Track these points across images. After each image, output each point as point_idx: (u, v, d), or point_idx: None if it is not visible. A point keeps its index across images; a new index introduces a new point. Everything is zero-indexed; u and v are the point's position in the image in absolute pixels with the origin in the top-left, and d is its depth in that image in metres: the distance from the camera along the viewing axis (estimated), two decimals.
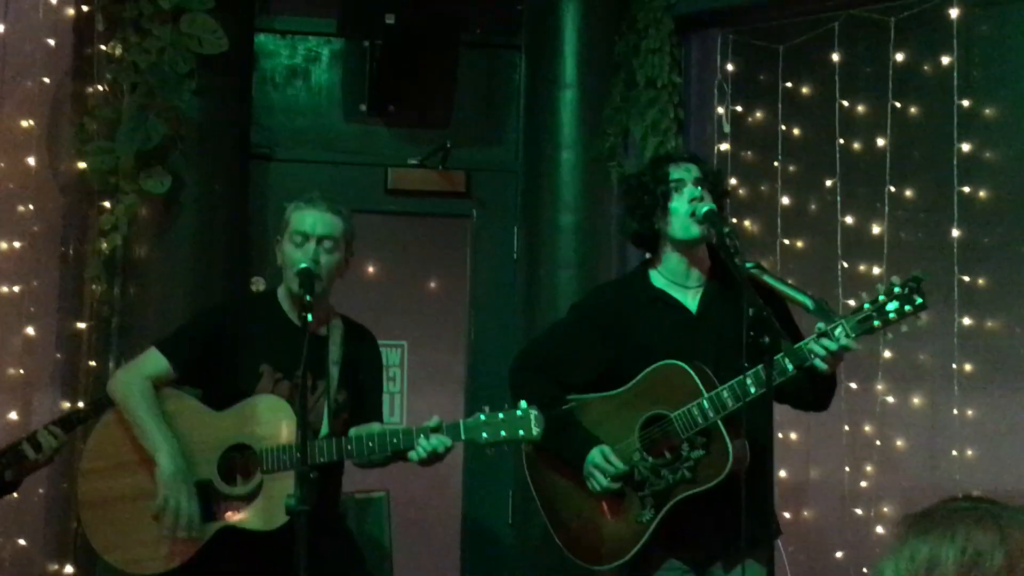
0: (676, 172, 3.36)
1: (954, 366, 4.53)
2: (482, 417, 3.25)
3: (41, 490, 4.40)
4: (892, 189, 4.71)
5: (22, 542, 4.41)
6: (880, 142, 4.75)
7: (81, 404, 4.23)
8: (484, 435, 3.24)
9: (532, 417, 3.21)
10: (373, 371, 3.58)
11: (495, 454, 3.34)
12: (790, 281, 3.41)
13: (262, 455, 3.28)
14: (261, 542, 3.13)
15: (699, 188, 3.33)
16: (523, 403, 3.23)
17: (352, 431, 3.41)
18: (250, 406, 3.33)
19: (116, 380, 3.43)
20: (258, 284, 4.41)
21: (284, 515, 3.00)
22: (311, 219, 3.39)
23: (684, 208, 3.32)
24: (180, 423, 3.35)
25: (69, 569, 4.42)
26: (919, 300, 3.11)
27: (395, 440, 3.26)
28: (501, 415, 3.23)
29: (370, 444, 3.27)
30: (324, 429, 3.37)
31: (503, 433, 3.22)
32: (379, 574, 4.15)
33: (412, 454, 3.25)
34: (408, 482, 4.80)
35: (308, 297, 3.18)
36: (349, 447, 3.27)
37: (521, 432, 3.21)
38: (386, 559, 4.32)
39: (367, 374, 3.53)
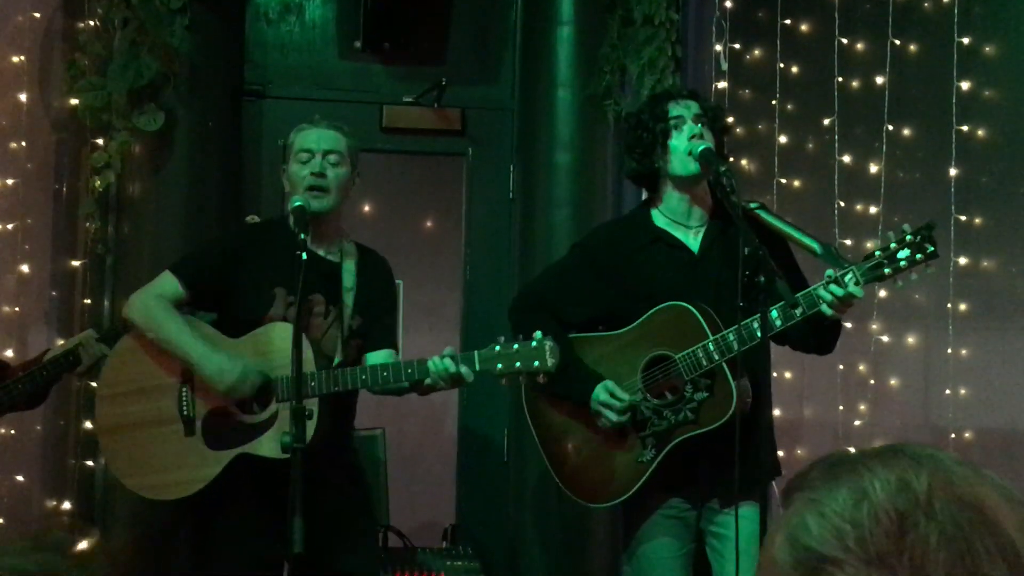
0: (675, 109, 3.34)
1: (949, 306, 4.53)
2: (497, 348, 3.23)
3: (39, 427, 4.42)
4: (890, 128, 4.68)
5: (20, 478, 4.44)
6: (879, 80, 4.72)
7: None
8: (499, 366, 3.22)
9: (547, 348, 3.18)
10: (386, 296, 3.58)
11: (500, 385, 3.34)
12: (792, 222, 3.39)
13: (277, 383, 3.29)
14: (276, 469, 3.15)
15: (699, 125, 3.32)
16: (538, 333, 3.20)
17: (368, 358, 3.41)
18: (264, 334, 3.33)
19: (132, 303, 3.42)
20: (253, 221, 4.39)
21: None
22: (315, 135, 3.42)
23: (683, 146, 3.30)
24: None
25: (67, 505, 4.45)
26: (931, 248, 3.09)
27: (409, 370, 3.26)
28: (516, 346, 3.21)
29: (384, 374, 3.28)
30: (338, 356, 3.38)
31: (518, 364, 3.21)
32: (376, 512, 4.18)
33: (428, 380, 3.24)
34: (404, 420, 4.83)
35: (303, 235, 3.18)
36: (364, 377, 3.28)
37: (536, 363, 3.20)
38: (382, 497, 4.34)
39: (380, 299, 3.53)
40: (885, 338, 4.74)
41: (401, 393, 3.39)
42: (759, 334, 3.10)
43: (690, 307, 3.24)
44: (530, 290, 3.66)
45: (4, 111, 4.45)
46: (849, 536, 1.01)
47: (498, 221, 4.93)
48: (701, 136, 3.31)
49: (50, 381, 3.51)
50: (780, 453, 3.77)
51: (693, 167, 3.30)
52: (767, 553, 1.06)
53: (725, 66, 4.81)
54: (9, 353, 4.36)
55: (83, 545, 1.07)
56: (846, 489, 1.02)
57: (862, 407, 4.77)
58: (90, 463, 4.39)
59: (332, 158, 3.39)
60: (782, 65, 4.86)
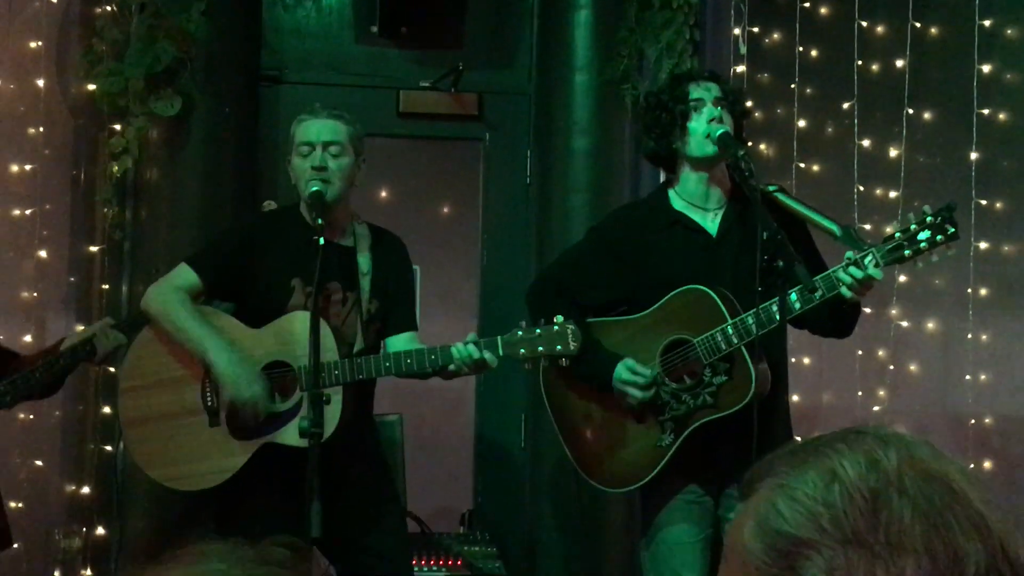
0: (696, 91, 3.33)
1: (969, 290, 4.51)
2: (519, 332, 3.23)
3: (57, 412, 4.44)
4: (910, 112, 4.65)
5: (39, 463, 4.45)
6: (899, 63, 4.69)
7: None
8: (522, 351, 3.23)
9: (570, 332, 3.19)
10: (403, 277, 3.57)
11: (508, 377, 3.34)
12: (812, 205, 3.37)
13: (300, 372, 3.29)
14: (301, 457, 3.15)
15: (718, 108, 3.31)
16: (559, 317, 3.20)
17: (388, 342, 3.41)
18: (286, 323, 3.33)
19: (150, 295, 3.42)
20: (269, 207, 4.39)
21: (325, 431, 3.00)
22: (314, 127, 3.40)
23: (702, 128, 3.30)
24: None
25: (86, 490, 4.46)
26: (951, 230, 3.06)
27: (433, 356, 3.27)
28: (538, 330, 3.21)
29: (408, 361, 3.28)
30: (359, 343, 3.38)
31: (541, 348, 3.21)
32: (398, 489, 4.18)
33: (452, 366, 3.24)
34: (421, 406, 4.83)
35: (320, 221, 3.18)
36: (388, 364, 3.28)
37: (559, 347, 3.20)
38: (400, 482, 4.35)
39: (397, 281, 3.53)
40: (905, 323, 4.72)
41: (425, 377, 3.39)
42: (778, 317, 3.08)
43: (708, 290, 3.23)
44: (547, 275, 3.66)
45: (22, 97, 4.46)
46: (823, 517, 1.01)
47: (515, 206, 4.91)
48: (720, 119, 3.29)
49: (67, 370, 3.52)
50: (798, 439, 3.76)
51: (711, 149, 3.29)
52: (734, 541, 1.06)
53: (744, 50, 4.78)
54: (28, 338, 4.37)
55: (304, 564, 1.05)
56: (815, 472, 1.02)
57: (881, 393, 4.75)
58: (108, 448, 4.41)
59: (333, 149, 3.38)
60: (801, 48, 4.82)
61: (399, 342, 3.45)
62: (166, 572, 0.96)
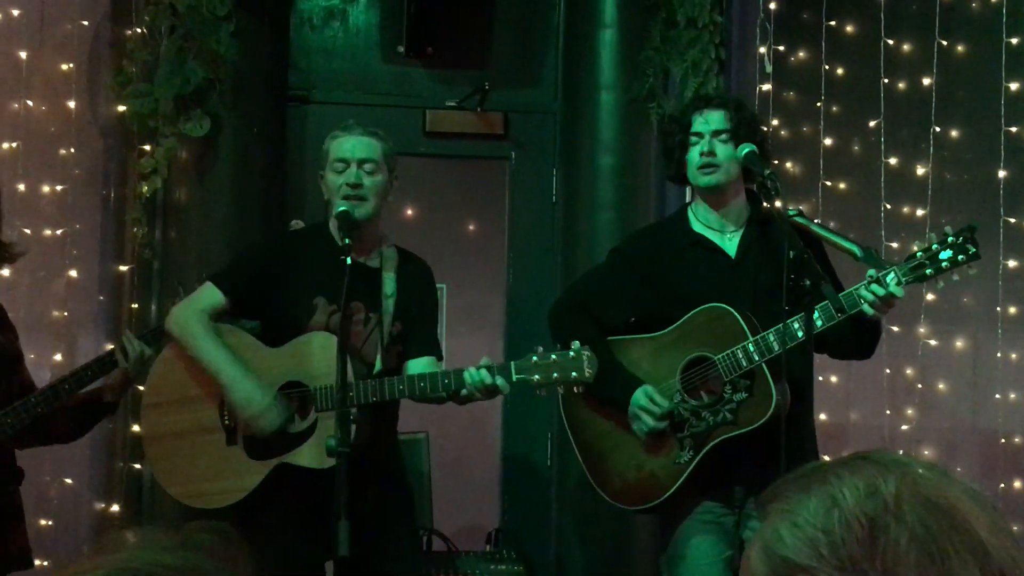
0: (697, 123, 3.38)
1: (998, 309, 4.48)
2: (534, 358, 3.22)
3: None
4: (937, 129, 4.63)
5: (69, 481, 4.49)
6: (925, 81, 4.67)
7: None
8: (536, 377, 3.21)
9: (585, 358, 3.17)
10: (427, 301, 3.56)
11: (537, 394, 3.34)
12: (831, 227, 3.38)
13: (317, 393, 3.29)
14: (316, 477, 3.17)
15: (714, 141, 3.34)
16: (576, 344, 3.19)
17: (409, 366, 3.42)
18: (304, 343, 3.34)
19: (173, 316, 3.44)
20: (297, 226, 4.42)
21: None
22: (349, 144, 3.41)
23: (696, 160, 3.36)
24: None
25: (116, 508, 4.49)
26: (972, 250, 3.08)
27: (446, 380, 3.26)
28: (554, 356, 3.20)
29: (422, 384, 3.27)
30: (378, 364, 3.38)
31: (556, 375, 3.20)
32: (419, 516, 4.19)
33: (464, 391, 3.24)
34: (448, 423, 4.84)
35: (347, 240, 3.19)
36: (401, 387, 3.28)
37: (574, 374, 3.18)
38: (425, 500, 4.36)
39: (421, 305, 3.52)
40: (933, 342, 4.69)
41: (440, 402, 3.38)
42: (800, 334, 3.09)
43: (730, 308, 3.24)
44: (569, 295, 3.68)
45: (53, 118, 4.51)
46: (822, 543, 1.01)
47: (541, 224, 4.92)
48: (712, 154, 3.33)
49: (95, 408, 3.48)
50: (826, 458, 3.74)
51: (700, 181, 3.35)
52: (746, 567, 1.07)
53: (769, 68, 4.78)
54: (58, 357, 4.41)
55: (230, 549, 1.06)
56: (816, 498, 1.02)
57: (909, 412, 4.72)
58: (138, 466, 4.44)
59: (368, 167, 3.38)
60: (827, 67, 4.82)
61: (419, 366, 3.43)
62: (89, 563, 0.98)
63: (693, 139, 3.36)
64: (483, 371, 3.21)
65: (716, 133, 3.35)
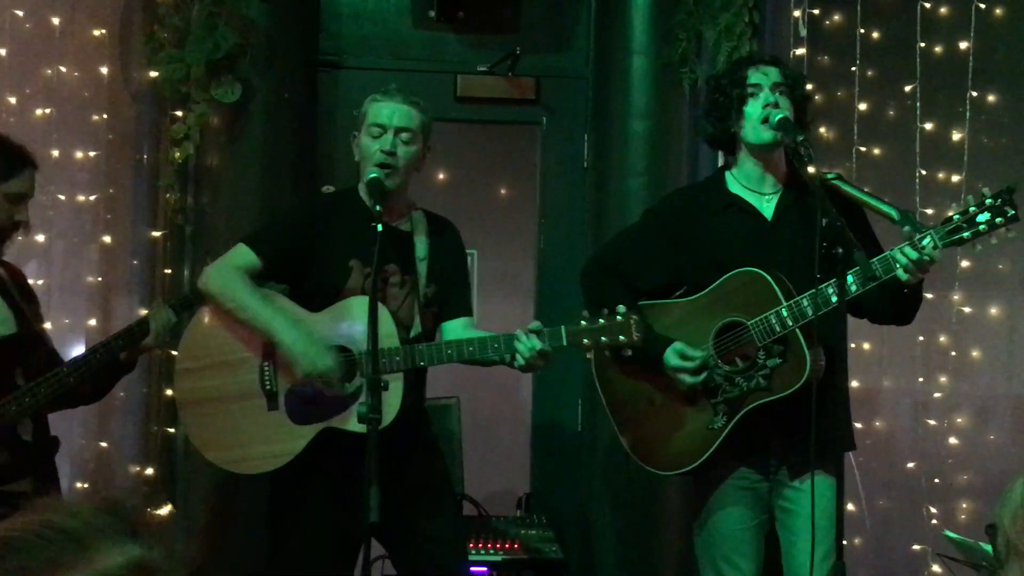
0: (754, 76, 3.33)
1: None
2: (583, 323, 3.23)
3: (122, 393, 4.51)
4: (974, 94, 4.58)
5: (104, 445, 4.54)
6: (962, 45, 4.61)
7: None
8: (585, 340, 3.22)
9: (633, 323, 3.18)
10: (458, 263, 3.57)
11: (564, 360, 3.34)
12: (870, 191, 3.35)
13: (361, 358, 3.28)
14: (360, 442, 3.18)
15: (775, 94, 3.30)
16: (622, 308, 3.19)
17: (444, 327, 3.42)
18: (346, 307, 3.32)
19: (208, 275, 3.40)
20: (328, 191, 4.42)
21: (386, 418, 3.01)
22: (388, 110, 3.37)
23: (757, 113, 3.30)
24: None
25: (150, 471, 4.54)
26: (1011, 212, 3.04)
27: (496, 344, 3.26)
28: (601, 320, 3.20)
29: (470, 348, 3.28)
30: (416, 327, 3.39)
31: (604, 339, 3.21)
32: (452, 477, 4.21)
33: (518, 359, 3.23)
34: (478, 389, 4.85)
35: (378, 207, 3.19)
36: (450, 351, 3.28)
37: (622, 337, 3.19)
38: (456, 466, 4.38)
39: (453, 266, 3.52)
40: (967, 309, 4.66)
41: (487, 364, 3.39)
42: (834, 300, 3.07)
43: (763, 273, 3.22)
44: (601, 256, 3.66)
45: (86, 84, 4.53)
46: None
47: (572, 190, 4.91)
48: (776, 105, 3.29)
49: (118, 364, 3.50)
50: (858, 425, 3.74)
51: (766, 135, 3.29)
52: (1008, 496, 1.31)
53: (804, 32, 4.72)
54: (93, 322, 4.45)
55: (156, 515, 1.11)
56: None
57: (943, 379, 4.69)
58: (171, 430, 4.48)
59: (404, 136, 3.35)
60: (862, 30, 4.76)
61: (455, 327, 3.45)
62: (6, 525, 1.02)
63: (751, 91, 3.32)
64: (533, 338, 3.21)
65: (775, 86, 3.32)
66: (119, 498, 1.08)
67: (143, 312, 4.36)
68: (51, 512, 1.03)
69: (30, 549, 1.00)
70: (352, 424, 3.21)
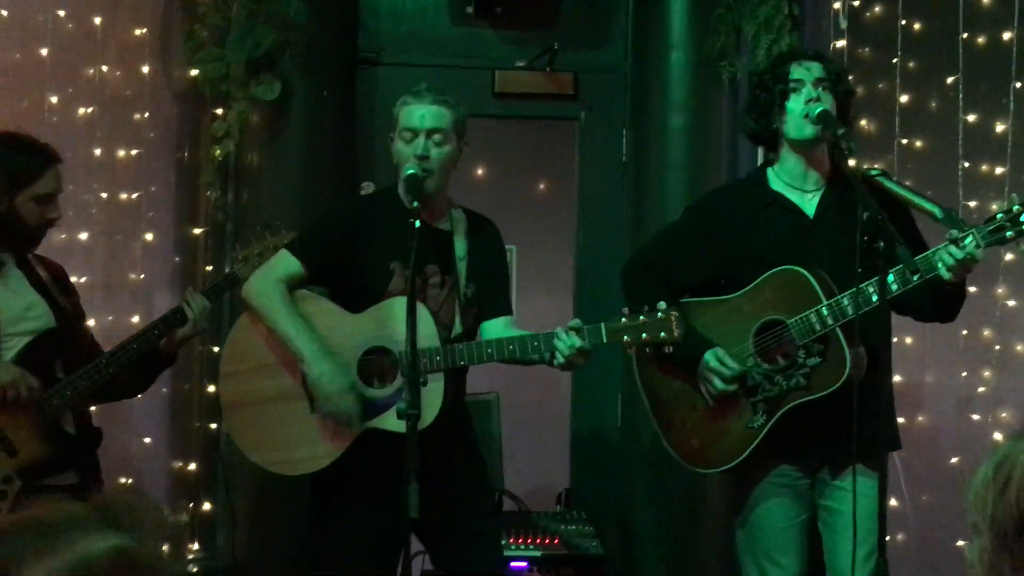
0: (797, 71, 3.31)
1: None
2: (623, 319, 3.22)
3: (165, 390, 4.56)
4: (1017, 85, 4.52)
5: (147, 440, 4.59)
6: (1006, 36, 4.55)
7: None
8: (626, 338, 3.22)
9: (674, 319, 3.17)
10: (498, 262, 3.57)
11: (604, 356, 3.34)
12: (911, 186, 3.32)
13: (401, 358, 3.29)
14: (402, 444, 3.20)
15: (818, 89, 3.27)
16: (663, 304, 3.19)
17: (485, 327, 3.43)
18: (387, 308, 3.34)
19: (250, 287, 3.43)
20: (367, 189, 4.44)
21: (427, 416, 3.04)
22: (418, 113, 3.36)
23: (800, 109, 3.27)
24: (318, 325, 3.37)
25: (192, 467, 4.58)
26: None
27: (535, 343, 3.27)
28: (642, 317, 3.20)
29: (510, 347, 3.28)
30: (457, 327, 3.40)
31: (644, 335, 3.20)
32: (490, 475, 4.22)
33: (558, 357, 3.24)
34: (518, 385, 4.85)
35: (415, 203, 3.19)
36: (490, 351, 3.30)
37: (663, 334, 3.18)
38: (496, 461, 4.38)
39: (492, 265, 3.52)
40: (1011, 303, 4.60)
41: (528, 363, 3.39)
42: (875, 299, 3.04)
43: (804, 271, 3.20)
44: (642, 253, 3.66)
45: (128, 83, 4.57)
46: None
47: (611, 185, 4.90)
48: (819, 100, 3.26)
49: (158, 357, 3.53)
50: (901, 420, 3.70)
51: (808, 131, 3.27)
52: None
53: (844, 24, 4.68)
54: (136, 319, 4.49)
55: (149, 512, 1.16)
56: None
57: (986, 373, 4.64)
58: (213, 426, 4.52)
59: (436, 137, 3.34)
60: (904, 22, 4.70)
61: (495, 326, 3.46)
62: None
63: (793, 86, 3.29)
64: (573, 335, 3.21)
65: (818, 82, 3.29)
66: (112, 496, 1.13)
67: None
68: (34, 508, 1.10)
69: (11, 540, 1.06)
70: (392, 424, 3.22)
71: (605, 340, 3.23)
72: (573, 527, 4.19)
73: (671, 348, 3.23)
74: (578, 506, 4.49)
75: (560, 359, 3.24)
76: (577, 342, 3.21)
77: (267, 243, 3.60)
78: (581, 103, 4.93)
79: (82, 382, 3.29)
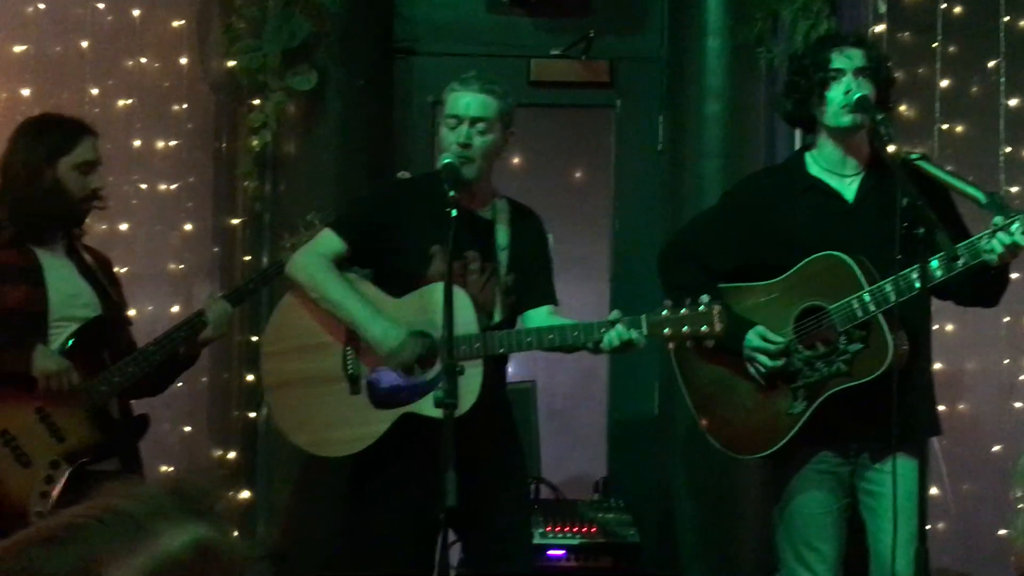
0: (837, 60, 3.28)
1: None
2: (664, 312, 3.21)
3: (204, 379, 4.60)
4: None
5: (188, 429, 4.63)
6: None
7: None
8: (666, 331, 3.21)
9: (715, 312, 3.15)
10: (540, 251, 3.57)
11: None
12: (955, 172, 3.28)
13: (442, 344, 3.30)
14: (439, 428, 3.21)
15: (859, 78, 3.25)
16: (705, 297, 3.17)
17: (526, 316, 3.44)
18: (428, 294, 3.34)
19: (295, 263, 3.45)
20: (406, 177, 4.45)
21: (464, 403, 3.05)
22: (464, 101, 3.38)
23: (839, 99, 3.25)
24: None
25: (232, 455, 4.62)
26: None
27: (576, 333, 3.27)
28: (684, 310, 3.18)
29: (550, 336, 3.29)
30: (497, 315, 3.41)
31: (685, 328, 3.19)
32: (527, 463, 4.22)
33: (605, 340, 3.23)
34: (555, 372, 4.86)
35: (452, 192, 3.20)
36: (529, 339, 3.30)
37: (704, 327, 3.17)
38: (533, 449, 4.39)
39: (534, 255, 3.53)
40: None
41: (568, 351, 3.40)
42: (918, 285, 3.02)
43: (845, 257, 3.18)
44: (679, 239, 3.64)
45: (166, 75, 4.61)
46: None
47: (647, 173, 4.88)
48: (859, 89, 3.23)
49: (178, 359, 3.53)
50: (941, 407, 3.67)
51: (846, 120, 3.25)
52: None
53: (883, 8, 4.63)
54: (176, 308, 4.54)
55: (223, 497, 1.11)
56: None
57: None
58: (253, 414, 4.55)
59: (480, 126, 3.35)
60: (944, 5, 4.65)
61: (537, 315, 3.46)
62: (69, 511, 1.02)
63: (833, 75, 3.27)
64: (618, 326, 3.20)
65: (859, 71, 3.27)
66: (185, 479, 1.08)
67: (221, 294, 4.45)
68: (114, 497, 1.03)
69: (92, 535, 0.99)
70: (430, 409, 3.23)
71: (646, 332, 3.22)
72: (611, 515, 4.20)
73: (712, 342, 3.21)
74: (615, 494, 4.49)
75: (605, 348, 3.23)
76: (623, 333, 3.20)
77: (317, 230, 3.61)
78: (617, 91, 4.92)
79: (130, 369, 3.34)
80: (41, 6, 4.32)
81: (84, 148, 3.32)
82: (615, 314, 3.26)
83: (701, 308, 3.16)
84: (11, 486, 3.20)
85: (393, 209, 3.45)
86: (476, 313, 3.32)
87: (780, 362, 3.23)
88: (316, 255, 3.41)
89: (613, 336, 3.21)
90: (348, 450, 3.40)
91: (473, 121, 3.35)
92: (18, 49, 4.45)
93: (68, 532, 0.98)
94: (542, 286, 3.52)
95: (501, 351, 3.30)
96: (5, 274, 3.26)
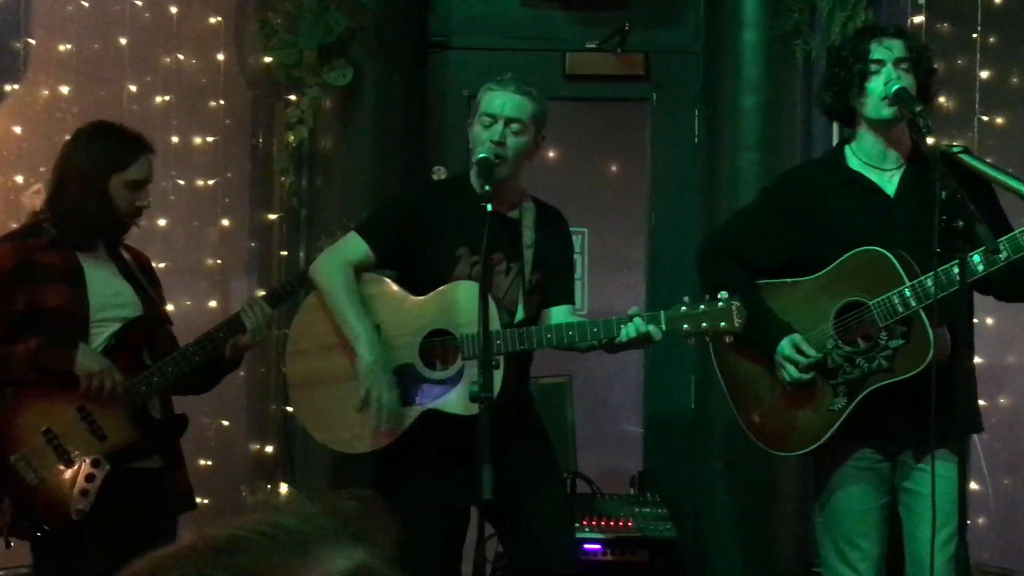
0: (877, 51, 3.24)
1: None
2: (683, 308, 3.21)
3: (241, 373, 4.62)
4: None
5: (226, 423, 4.67)
6: None
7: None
8: (685, 326, 3.21)
9: (734, 309, 3.15)
10: (564, 252, 3.59)
11: (677, 339, 3.32)
12: (996, 165, 3.24)
13: (462, 341, 3.33)
14: (461, 423, 3.22)
15: (899, 70, 3.21)
16: (724, 293, 3.17)
17: (546, 315, 3.45)
18: (449, 292, 3.37)
19: (318, 266, 3.49)
20: (439, 174, 4.46)
21: None
22: (500, 100, 3.39)
23: (879, 91, 3.21)
24: (380, 307, 3.42)
25: (269, 449, 4.65)
26: None
27: (595, 329, 3.28)
28: (703, 306, 3.18)
29: (570, 333, 3.29)
30: (520, 313, 3.42)
31: (704, 324, 3.18)
32: (562, 459, 4.23)
33: (622, 333, 3.23)
34: (591, 367, 4.86)
35: (487, 187, 3.20)
36: (550, 336, 3.31)
37: (723, 324, 3.16)
38: (569, 444, 4.39)
39: (558, 255, 3.54)
40: None
41: (585, 351, 3.41)
42: (959, 279, 2.98)
43: (885, 252, 3.14)
44: (718, 236, 3.62)
45: (203, 71, 4.64)
46: None
47: (683, 166, 4.86)
48: (898, 80, 3.20)
49: (222, 361, 3.53)
50: (982, 402, 3.63)
51: (887, 112, 3.21)
52: None
53: None
54: (213, 303, 4.57)
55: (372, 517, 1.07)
56: None
57: None
58: (290, 408, 4.57)
59: (514, 127, 3.36)
60: None
61: (557, 314, 3.48)
62: (234, 522, 1.00)
63: (873, 67, 3.24)
64: (636, 320, 3.21)
65: (899, 62, 3.23)
66: (342, 501, 1.06)
67: (260, 292, 4.48)
68: (277, 512, 1.01)
69: (256, 549, 0.97)
70: (452, 406, 3.30)
71: (664, 328, 3.22)
72: (647, 510, 4.19)
73: (731, 338, 3.20)
74: (651, 489, 4.48)
75: (619, 340, 3.24)
76: (640, 326, 3.21)
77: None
78: (653, 84, 4.90)
79: (169, 369, 3.36)
80: (84, 4, 4.36)
81: (140, 166, 3.35)
82: (633, 310, 3.27)
83: (720, 304, 3.16)
84: (53, 484, 3.23)
85: (421, 212, 3.47)
86: (499, 311, 3.33)
87: (807, 376, 3.22)
88: (338, 261, 3.45)
89: (631, 328, 3.22)
90: (371, 447, 3.42)
91: (508, 121, 3.36)
92: (62, 48, 4.50)
93: (234, 544, 0.97)
94: (563, 286, 3.55)
95: (522, 347, 3.31)
96: (47, 275, 3.28)
